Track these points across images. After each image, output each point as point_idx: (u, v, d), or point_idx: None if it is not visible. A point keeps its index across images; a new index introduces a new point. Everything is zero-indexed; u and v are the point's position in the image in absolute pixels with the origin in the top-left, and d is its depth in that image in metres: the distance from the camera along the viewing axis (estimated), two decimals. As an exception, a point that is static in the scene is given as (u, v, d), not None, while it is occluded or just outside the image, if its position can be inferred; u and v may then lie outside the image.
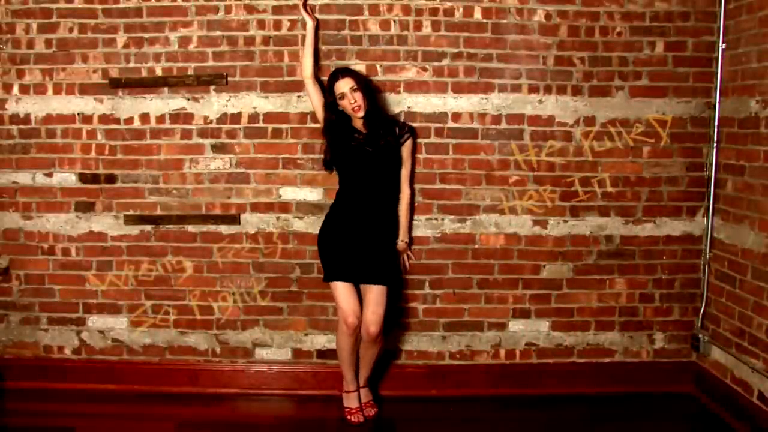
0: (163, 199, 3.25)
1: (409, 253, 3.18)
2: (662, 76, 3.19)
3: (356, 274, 2.94)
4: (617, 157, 3.23)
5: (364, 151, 2.93)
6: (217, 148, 3.22)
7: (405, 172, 3.04)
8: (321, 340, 3.32)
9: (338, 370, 3.22)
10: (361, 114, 2.89)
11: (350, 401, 3.06)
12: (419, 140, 3.20)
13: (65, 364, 3.33)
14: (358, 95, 2.87)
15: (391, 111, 3.17)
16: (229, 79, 3.17)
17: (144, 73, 3.19)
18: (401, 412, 3.13)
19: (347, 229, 2.94)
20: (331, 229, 2.98)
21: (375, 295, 2.91)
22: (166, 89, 3.19)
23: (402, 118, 3.16)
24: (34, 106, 3.22)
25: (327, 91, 2.94)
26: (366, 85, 2.97)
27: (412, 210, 3.17)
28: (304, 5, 3.05)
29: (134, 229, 3.26)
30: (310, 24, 3.02)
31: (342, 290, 2.93)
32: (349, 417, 3.02)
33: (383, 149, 2.93)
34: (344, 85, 2.87)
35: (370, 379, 3.14)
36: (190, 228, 3.25)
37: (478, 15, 3.15)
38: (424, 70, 3.17)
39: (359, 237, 2.93)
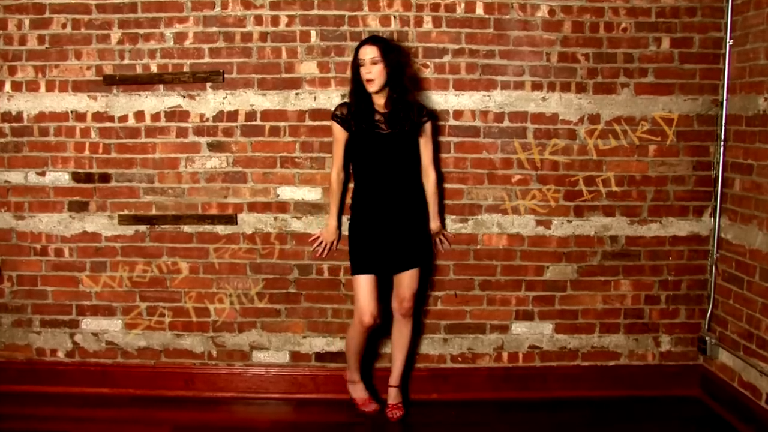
0: (158, 198, 3.21)
1: (445, 233, 3.13)
2: (668, 73, 3.16)
3: (387, 266, 2.93)
4: (622, 155, 3.19)
5: (383, 133, 2.85)
6: (214, 147, 3.18)
7: (428, 155, 2.96)
8: (320, 343, 3.28)
9: (338, 373, 3.23)
10: (372, 88, 2.80)
11: (357, 391, 3.06)
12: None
13: (58, 367, 3.29)
14: (377, 68, 2.76)
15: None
16: (225, 75, 3.13)
17: (139, 70, 3.14)
18: (402, 417, 3.06)
19: (376, 218, 2.89)
20: (359, 220, 2.93)
21: (408, 277, 2.93)
22: (161, 86, 3.14)
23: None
24: (27, 104, 3.17)
25: (353, 58, 2.86)
26: (395, 61, 2.82)
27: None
28: None
29: (129, 230, 3.22)
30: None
31: (364, 287, 2.89)
32: (362, 408, 3.02)
33: (403, 131, 2.85)
34: (366, 53, 2.78)
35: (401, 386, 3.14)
36: (186, 228, 3.21)
37: (480, 11, 3.11)
38: (426, 66, 3.13)
39: (388, 226, 2.89)
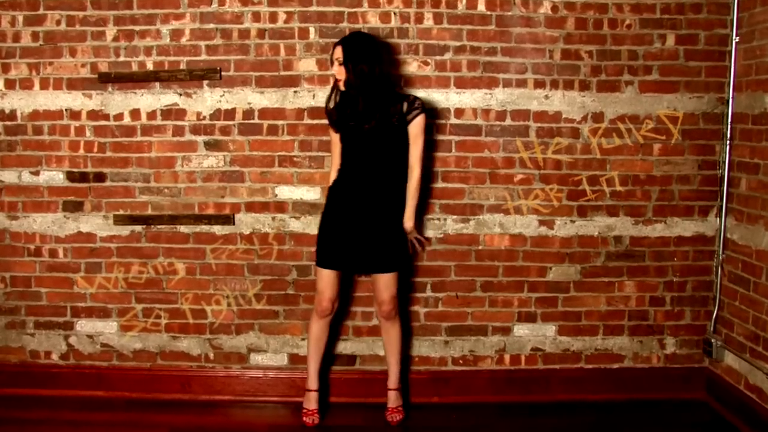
0: (154, 198, 3.18)
1: (419, 237, 2.98)
2: (673, 71, 3.13)
3: (353, 265, 2.90)
4: (626, 154, 3.16)
5: (360, 129, 2.80)
6: (211, 146, 3.15)
7: (414, 152, 2.85)
8: (318, 345, 3.23)
9: (338, 376, 3.21)
10: (341, 86, 2.78)
11: (308, 401, 3.02)
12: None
13: (52, 370, 3.26)
14: (342, 69, 2.75)
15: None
16: (222, 73, 3.10)
17: (134, 68, 3.11)
18: (402, 420, 3.04)
19: (345, 214, 2.85)
20: (329, 213, 2.90)
21: (382, 281, 2.90)
22: (157, 84, 3.11)
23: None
24: (20, 102, 3.14)
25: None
26: (363, 58, 2.74)
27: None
28: None
29: (124, 230, 3.19)
30: None
31: (325, 278, 2.89)
32: (303, 418, 2.99)
33: (383, 128, 2.79)
34: (335, 53, 2.78)
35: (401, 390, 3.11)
36: (183, 228, 3.18)
37: (481, 7, 3.07)
38: (426, 64, 3.10)
39: (359, 224, 2.84)
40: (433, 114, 3.07)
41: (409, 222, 2.92)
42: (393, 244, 2.90)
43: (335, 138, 2.92)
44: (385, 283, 2.89)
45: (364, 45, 2.78)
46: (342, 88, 2.78)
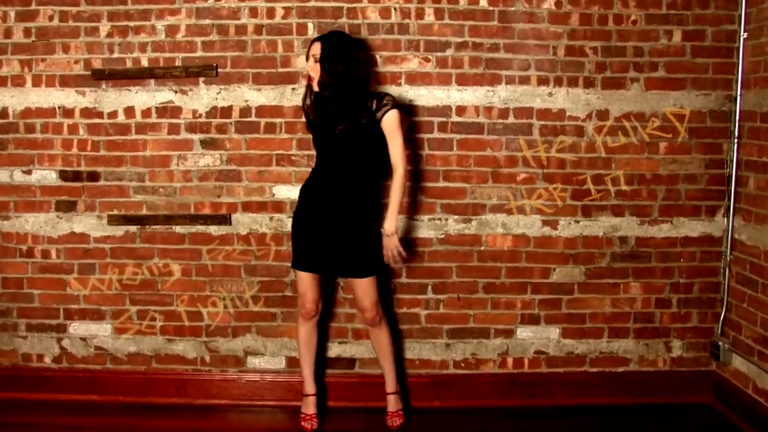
0: (149, 198, 3.14)
1: (400, 249, 2.76)
2: (680, 67, 3.09)
3: (325, 268, 2.85)
4: (632, 153, 3.13)
5: (330, 130, 2.74)
6: (207, 144, 3.11)
7: (394, 150, 2.73)
8: (317, 348, 3.21)
9: (337, 380, 3.18)
10: (314, 85, 2.71)
11: (306, 406, 2.99)
12: (422, 135, 3.09)
13: (45, 374, 3.23)
14: (317, 67, 2.68)
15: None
16: (219, 70, 3.06)
17: (129, 64, 3.08)
18: (402, 425, 3.00)
19: (315, 216, 2.80)
20: (300, 214, 2.85)
21: (359, 287, 2.84)
22: (152, 81, 3.08)
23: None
24: (12, 99, 3.10)
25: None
26: (340, 58, 2.66)
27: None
28: None
29: (118, 230, 3.16)
30: None
31: (304, 279, 2.86)
32: (302, 423, 2.95)
33: (354, 128, 2.72)
34: (312, 50, 2.71)
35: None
36: (178, 229, 3.15)
37: (484, 2, 3.04)
38: (427, 60, 3.07)
39: (328, 227, 2.78)
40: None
41: (390, 225, 2.74)
42: (365, 248, 2.80)
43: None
44: (363, 289, 2.82)
45: (343, 45, 2.70)
46: (315, 88, 2.71)
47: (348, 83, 2.68)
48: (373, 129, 2.74)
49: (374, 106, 2.72)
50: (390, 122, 2.73)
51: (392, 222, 2.76)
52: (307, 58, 2.73)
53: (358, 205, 2.79)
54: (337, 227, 2.78)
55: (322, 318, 3.03)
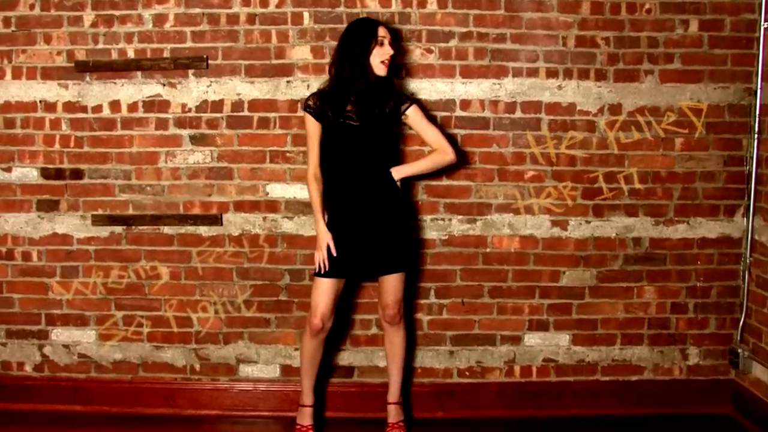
0: (135, 197, 3.08)
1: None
2: (697, 59, 3.03)
3: (361, 271, 2.78)
4: (646, 149, 3.07)
5: (366, 125, 2.68)
6: (197, 140, 3.05)
7: (434, 136, 2.76)
8: (313, 356, 3.14)
9: (335, 389, 3.13)
10: (382, 72, 2.64)
11: (302, 417, 2.88)
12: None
13: (26, 383, 3.16)
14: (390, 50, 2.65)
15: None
16: (209, 62, 3.00)
17: (114, 56, 3.02)
18: (404, 438, 2.96)
19: (353, 219, 2.73)
20: (335, 220, 2.76)
21: (390, 282, 2.79)
22: (139, 73, 3.02)
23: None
24: (-9, 93, 3.06)
25: (357, 38, 2.64)
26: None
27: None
28: None
29: (103, 231, 3.09)
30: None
31: (323, 288, 2.74)
32: None
33: (378, 123, 2.68)
34: (381, 32, 2.64)
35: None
36: (166, 230, 3.09)
37: (489, -10, 3.00)
38: (430, 51, 3.01)
39: (366, 227, 2.72)
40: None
41: (398, 172, 2.77)
42: (399, 242, 2.79)
43: (312, 132, 2.73)
44: (394, 285, 2.79)
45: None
46: (383, 73, 2.64)
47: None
48: (392, 126, 2.75)
49: (395, 104, 2.72)
50: (418, 114, 2.76)
51: (403, 172, 2.79)
52: (378, 45, 2.62)
53: (390, 201, 2.76)
54: (374, 226, 2.73)
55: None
